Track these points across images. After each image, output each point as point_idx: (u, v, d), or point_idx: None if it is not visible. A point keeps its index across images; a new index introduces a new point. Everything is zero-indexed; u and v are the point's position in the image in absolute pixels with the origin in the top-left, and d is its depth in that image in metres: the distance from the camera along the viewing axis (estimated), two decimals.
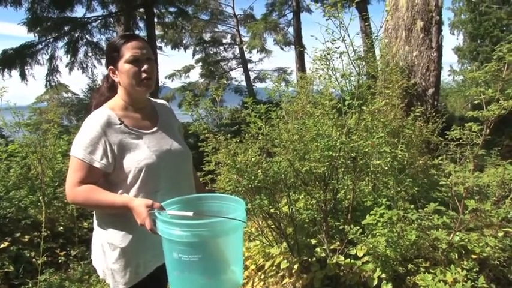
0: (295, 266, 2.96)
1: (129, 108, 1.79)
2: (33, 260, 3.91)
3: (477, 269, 2.56)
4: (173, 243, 1.42)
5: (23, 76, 12.32)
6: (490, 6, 22.14)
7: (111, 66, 1.76)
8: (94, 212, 1.82)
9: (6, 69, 11.88)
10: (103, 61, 13.79)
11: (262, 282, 3.18)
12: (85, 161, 1.63)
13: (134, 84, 1.72)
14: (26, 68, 12.36)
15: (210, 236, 1.42)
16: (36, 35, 12.07)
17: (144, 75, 1.72)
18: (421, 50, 4.77)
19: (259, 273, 3.26)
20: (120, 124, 1.71)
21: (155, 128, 1.83)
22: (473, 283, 2.41)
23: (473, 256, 2.68)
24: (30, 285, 3.56)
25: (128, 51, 1.71)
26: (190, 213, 1.44)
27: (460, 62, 28.73)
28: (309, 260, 2.94)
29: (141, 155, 1.69)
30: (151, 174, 1.69)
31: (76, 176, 1.63)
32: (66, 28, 12.52)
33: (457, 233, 2.62)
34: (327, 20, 2.69)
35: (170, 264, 1.49)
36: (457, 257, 2.64)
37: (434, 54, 4.78)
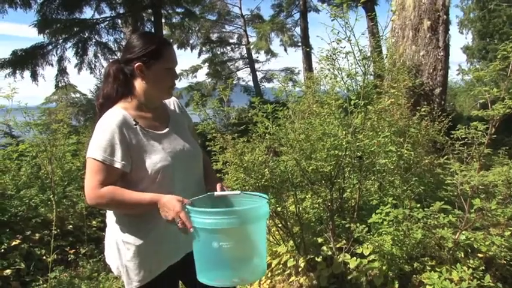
0: (302, 264, 2.98)
1: (143, 108, 1.78)
2: (44, 257, 3.96)
3: (483, 267, 2.56)
4: (211, 232, 1.50)
5: (34, 77, 12.44)
6: (500, 4, 21.97)
7: (140, 63, 1.71)
8: (108, 211, 1.82)
9: (18, 71, 12.01)
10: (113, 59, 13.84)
11: (269, 280, 3.21)
12: (106, 162, 1.61)
13: (163, 90, 1.76)
14: (37, 68, 12.49)
15: (242, 222, 1.52)
16: (46, 36, 12.19)
17: (172, 84, 1.78)
18: (428, 50, 4.77)
19: (266, 271, 3.28)
20: (135, 125, 1.71)
21: (167, 129, 1.82)
22: (479, 282, 2.42)
23: (480, 255, 2.69)
24: (41, 282, 3.61)
25: (169, 58, 1.73)
26: (238, 192, 1.62)
27: (469, 61, 28.57)
28: (316, 258, 2.96)
29: (156, 157, 1.70)
30: (166, 176, 1.69)
31: (96, 178, 1.61)
32: (75, 29, 12.62)
33: (463, 232, 2.62)
34: (332, 20, 2.71)
35: (203, 253, 1.58)
36: (463, 256, 2.65)
37: (441, 53, 4.77)
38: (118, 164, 1.63)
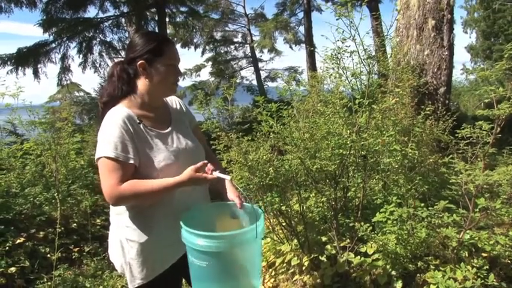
0: (306, 263, 2.98)
1: (146, 107, 1.80)
2: (48, 255, 3.98)
3: (487, 267, 2.55)
4: (192, 250, 1.57)
5: (35, 74, 12.51)
6: (504, 3, 21.86)
7: (143, 61, 1.73)
8: (111, 209, 1.83)
9: (20, 68, 12.07)
10: (116, 60, 13.90)
11: (273, 279, 3.22)
12: (120, 159, 1.61)
13: (166, 86, 1.77)
14: (39, 66, 12.55)
15: (225, 247, 1.55)
16: (51, 35, 12.24)
17: (175, 80, 1.79)
18: (432, 49, 4.76)
19: (270, 270, 3.29)
20: (140, 123, 1.72)
21: (169, 128, 1.84)
22: (483, 281, 2.41)
23: (484, 254, 2.68)
24: (45, 280, 3.62)
25: (171, 55, 1.75)
26: (228, 177, 1.68)
27: (473, 61, 28.51)
28: (319, 257, 2.96)
29: (160, 155, 1.71)
30: (170, 174, 1.70)
31: (115, 176, 1.60)
32: (80, 28, 12.66)
33: (467, 231, 2.62)
34: (337, 19, 2.71)
35: (190, 267, 1.65)
36: (467, 255, 2.64)
37: (446, 53, 4.76)
38: (132, 160, 1.64)
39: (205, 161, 1.70)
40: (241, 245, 1.58)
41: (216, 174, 1.68)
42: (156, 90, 1.79)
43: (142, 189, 1.62)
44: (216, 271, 1.57)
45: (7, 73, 11.74)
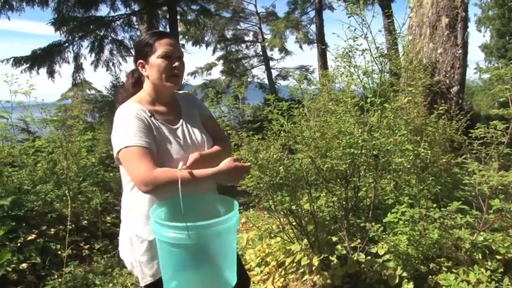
0: (316, 263, 2.96)
1: (155, 103, 1.82)
2: (59, 252, 4.00)
3: (502, 270, 2.51)
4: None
5: (51, 74, 12.66)
6: None
7: (141, 60, 1.78)
8: (122, 206, 1.84)
9: (35, 68, 12.21)
10: (128, 59, 14.01)
11: (282, 279, 3.20)
12: (143, 145, 1.60)
13: (163, 79, 1.75)
14: (54, 66, 12.70)
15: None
16: (63, 34, 12.35)
17: (174, 71, 1.76)
18: (445, 47, 4.69)
19: (280, 269, 3.27)
20: (151, 117, 1.74)
21: (180, 122, 1.85)
22: (497, 284, 2.38)
23: (498, 257, 2.64)
24: (56, 276, 3.65)
25: (161, 47, 1.74)
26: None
27: (487, 60, 28.14)
28: (330, 257, 2.94)
29: (171, 150, 1.72)
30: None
31: (145, 161, 1.57)
32: (91, 27, 12.75)
33: (481, 233, 2.58)
34: (349, 17, 2.68)
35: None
36: (480, 257, 2.60)
37: (460, 51, 4.69)
38: (154, 148, 1.65)
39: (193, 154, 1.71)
40: (206, 237, 1.48)
41: (179, 166, 1.63)
42: (157, 86, 1.79)
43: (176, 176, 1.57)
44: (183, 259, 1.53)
45: (21, 72, 11.88)
